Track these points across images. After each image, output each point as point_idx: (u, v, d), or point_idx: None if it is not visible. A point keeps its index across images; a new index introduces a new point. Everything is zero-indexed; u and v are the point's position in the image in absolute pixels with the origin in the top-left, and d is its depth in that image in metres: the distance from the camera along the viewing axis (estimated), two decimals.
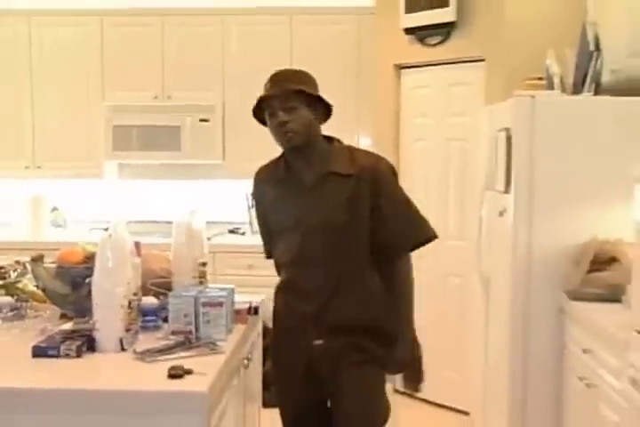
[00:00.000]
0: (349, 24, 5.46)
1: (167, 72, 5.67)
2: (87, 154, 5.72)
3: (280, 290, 2.83)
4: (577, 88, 3.70)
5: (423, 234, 2.76)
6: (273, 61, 5.39)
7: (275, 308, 2.84)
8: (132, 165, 5.95)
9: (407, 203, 2.78)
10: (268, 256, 2.95)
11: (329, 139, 2.79)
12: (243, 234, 5.80)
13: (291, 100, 2.62)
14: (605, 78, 3.55)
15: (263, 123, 2.73)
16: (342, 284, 2.69)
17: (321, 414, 2.77)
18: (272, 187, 2.81)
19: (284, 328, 2.79)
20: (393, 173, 2.81)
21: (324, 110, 2.72)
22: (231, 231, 5.77)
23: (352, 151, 2.81)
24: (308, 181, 2.72)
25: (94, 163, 5.74)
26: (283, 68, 2.76)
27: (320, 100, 2.69)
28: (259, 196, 2.91)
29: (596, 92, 3.57)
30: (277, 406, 2.80)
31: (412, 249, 2.76)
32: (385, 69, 5.01)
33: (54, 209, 6.01)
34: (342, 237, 2.70)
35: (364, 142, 5.36)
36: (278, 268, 2.88)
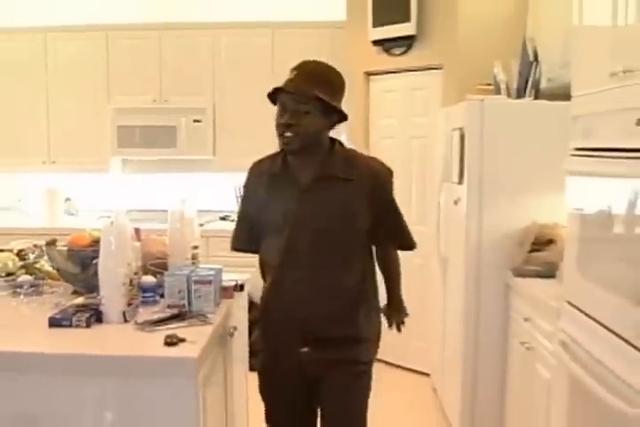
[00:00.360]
0: (324, 37, 5.42)
1: (164, 79, 5.64)
2: (95, 151, 5.68)
3: (267, 293, 2.50)
4: (520, 93, 3.73)
5: (407, 244, 2.56)
6: (257, 69, 5.48)
7: (262, 312, 2.52)
8: (134, 160, 5.91)
9: (399, 213, 2.52)
10: (236, 248, 2.61)
11: (331, 140, 2.43)
12: (232, 221, 5.76)
13: (305, 104, 2.26)
14: (543, 85, 3.60)
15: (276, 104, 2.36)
16: (329, 290, 2.38)
17: (308, 420, 2.54)
18: (266, 181, 2.45)
19: (272, 333, 2.49)
20: (391, 178, 2.51)
21: (339, 118, 2.36)
22: (222, 218, 5.75)
23: (353, 155, 2.46)
24: (303, 180, 2.38)
25: (101, 158, 5.72)
26: (306, 61, 2.36)
27: (336, 110, 2.33)
28: (250, 188, 2.54)
29: (536, 97, 3.60)
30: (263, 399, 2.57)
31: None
32: (356, 76, 5.01)
33: (67, 199, 5.99)
34: (331, 241, 2.38)
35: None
36: (263, 268, 2.55)
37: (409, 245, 2.56)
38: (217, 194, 5.78)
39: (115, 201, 5.70)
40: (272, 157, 2.49)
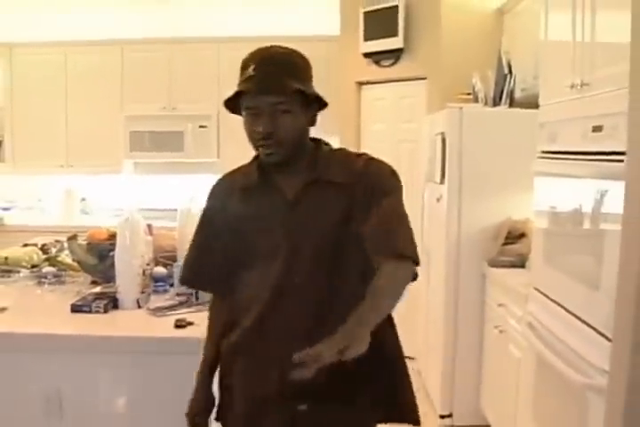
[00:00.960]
0: (320, 50, 5.41)
1: (173, 88, 5.71)
2: (109, 154, 5.74)
3: (245, 339, 1.77)
4: (496, 102, 3.77)
5: (403, 249, 1.65)
6: None
7: (228, 374, 1.82)
8: (145, 163, 5.95)
9: (402, 217, 1.70)
10: (198, 285, 2.04)
11: (314, 141, 1.81)
12: None
13: (283, 103, 1.65)
14: (517, 95, 3.65)
15: (235, 111, 1.74)
16: (334, 326, 1.48)
17: None
18: (238, 198, 1.77)
19: (254, 388, 1.76)
20: (397, 180, 1.76)
21: (318, 107, 1.74)
22: None
23: (346, 155, 1.82)
24: (289, 190, 1.73)
25: (115, 161, 5.77)
26: (257, 50, 1.74)
27: (317, 97, 1.72)
28: (215, 212, 1.82)
29: (510, 105, 3.64)
30: None
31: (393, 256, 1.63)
32: (348, 86, 5.05)
33: (83, 199, 6.05)
34: (335, 264, 1.70)
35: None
36: (234, 314, 1.80)
37: (403, 253, 1.64)
38: None
39: (126, 201, 5.77)
40: (243, 169, 1.84)
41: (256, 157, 1.81)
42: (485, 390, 3.50)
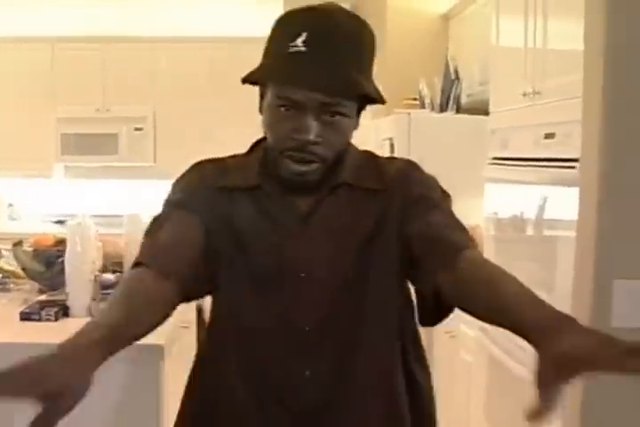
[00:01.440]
0: (258, 51, 5.57)
1: (107, 89, 5.68)
2: (38, 158, 5.66)
3: (230, 375, 1.34)
4: (442, 108, 3.88)
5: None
6: (194, 80, 5.58)
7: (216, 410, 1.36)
8: (77, 167, 5.90)
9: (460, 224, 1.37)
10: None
11: None
12: None
13: (344, 106, 1.23)
14: (463, 101, 3.78)
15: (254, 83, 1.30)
16: (358, 377, 1.30)
17: None
18: (234, 199, 1.34)
19: None
20: (444, 189, 1.42)
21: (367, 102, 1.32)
22: None
23: (373, 157, 1.44)
24: (301, 197, 1.32)
25: (45, 165, 5.71)
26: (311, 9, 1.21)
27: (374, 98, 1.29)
28: (198, 206, 1.34)
29: (457, 111, 3.77)
30: None
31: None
32: None
33: (10, 205, 5.95)
34: (362, 296, 1.31)
35: None
36: (212, 337, 1.41)
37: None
38: (157, 200, 5.80)
39: (56, 206, 5.73)
40: (238, 160, 1.41)
41: (253, 146, 1.41)
42: (437, 395, 3.61)
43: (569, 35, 2.06)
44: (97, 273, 2.58)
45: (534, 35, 2.36)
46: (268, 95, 1.25)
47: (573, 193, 1.97)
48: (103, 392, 2.15)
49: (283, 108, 1.23)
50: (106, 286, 2.73)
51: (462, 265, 1.22)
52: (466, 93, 3.78)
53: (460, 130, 3.61)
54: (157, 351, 2.15)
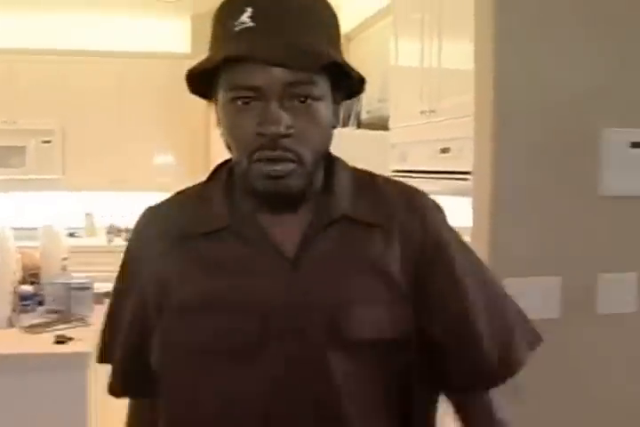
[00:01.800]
0: (171, 66, 5.25)
1: (14, 101, 5.58)
2: None
3: None
4: (345, 123, 3.95)
5: (527, 346, 1.07)
6: (102, 94, 5.56)
7: None
8: None
9: (490, 282, 1.11)
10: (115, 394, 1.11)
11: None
12: (79, 237, 5.71)
13: (314, 84, 0.95)
14: (364, 117, 3.90)
15: (204, 95, 1.04)
16: None
17: None
18: (191, 248, 1.01)
19: None
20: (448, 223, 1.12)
21: (347, 92, 1.05)
22: (70, 235, 5.73)
23: (373, 178, 1.13)
24: (285, 238, 1.00)
25: None
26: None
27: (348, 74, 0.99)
28: (145, 274, 1.04)
29: (358, 127, 3.88)
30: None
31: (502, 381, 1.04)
32: (200, 104, 5.18)
33: None
34: (376, 365, 0.98)
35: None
36: None
37: (534, 343, 1.09)
38: (65, 211, 5.74)
39: None
40: (193, 193, 1.10)
41: (214, 173, 1.09)
42: None
43: (461, 57, 2.21)
44: (16, 285, 2.61)
45: (430, 56, 2.52)
46: (220, 95, 0.98)
47: (467, 203, 2.13)
48: (28, 401, 2.20)
49: (240, 102, 0.95)
50: (24, 298, 2.76)
51: (470, 409, 1.09)
52: (366, 110, 3.90)
53: (362, 145, 3.67)
54: (83, 359, 2.20)
